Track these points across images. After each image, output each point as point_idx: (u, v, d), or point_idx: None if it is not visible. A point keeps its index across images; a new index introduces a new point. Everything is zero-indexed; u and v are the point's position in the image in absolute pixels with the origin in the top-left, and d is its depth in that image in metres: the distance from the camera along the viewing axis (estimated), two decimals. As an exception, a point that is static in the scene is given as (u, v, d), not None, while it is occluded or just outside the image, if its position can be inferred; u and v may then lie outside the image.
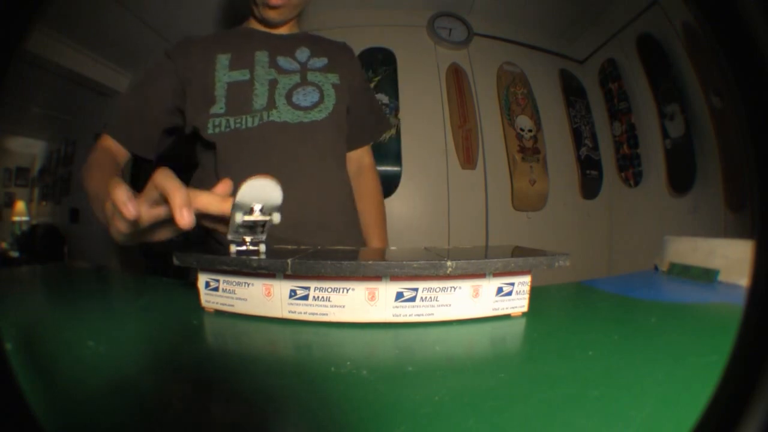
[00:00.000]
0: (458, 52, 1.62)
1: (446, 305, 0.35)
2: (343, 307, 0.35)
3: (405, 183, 1.50)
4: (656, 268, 0.63)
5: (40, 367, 0.26)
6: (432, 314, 0.35)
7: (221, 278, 0.38)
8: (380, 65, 1.56)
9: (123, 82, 2.03)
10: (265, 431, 0.20)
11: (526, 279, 0.37)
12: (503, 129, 1.59)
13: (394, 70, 1.57)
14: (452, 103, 1.56)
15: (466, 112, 1.57)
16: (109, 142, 0.70)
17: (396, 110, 1.53)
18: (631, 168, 1.59)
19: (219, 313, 0.38)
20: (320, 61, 0.75)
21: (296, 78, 0.72)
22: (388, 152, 1.50)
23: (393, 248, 0.47)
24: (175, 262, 0.39)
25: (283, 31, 0.77)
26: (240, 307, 0.37)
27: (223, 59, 0.71)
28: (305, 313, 0.35)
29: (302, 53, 0.75)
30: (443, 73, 1.59)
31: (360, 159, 0.87)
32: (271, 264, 0.34)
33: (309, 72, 0.73)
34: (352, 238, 0.75)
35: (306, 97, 0.71)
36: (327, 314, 0.35)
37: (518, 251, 0.42)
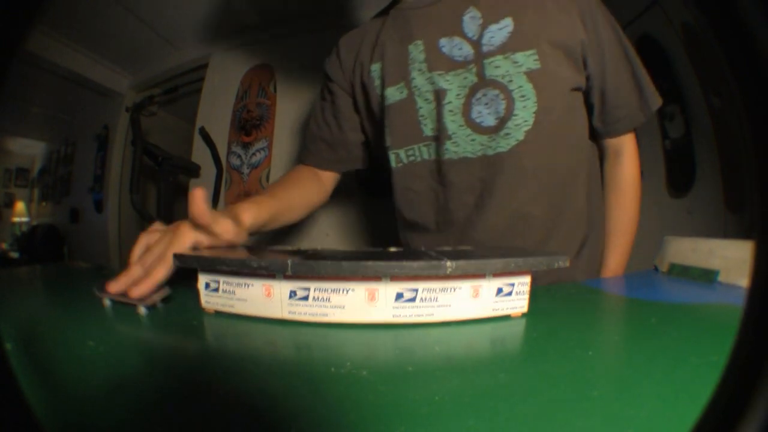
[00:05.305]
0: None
1: (446, 306, 0.35)
2: (343, 307, 0.35)
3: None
4: (656, 269, 0.63)
5: (40, 367, 0.26)
6: (432, 315, 0.35)
7: (221, 279, 0.38)
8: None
9: (123, 82, 2.03)
10: None
11: (526, 279, 0.37)
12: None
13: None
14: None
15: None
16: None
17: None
18: (631, 168, 1.59)
19: (219, 314, 0.38)
20: (500, 28, 0.47)
21: (470, 75, 0.48)
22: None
23: (393, 248, 0.47)
24: (175, 262, 0.39)
25: None
26: (240, 308, 0.37)
27: (375, 70, 0.55)
28: (305, 313, 0.35)
29: (473, 21, 0.48)
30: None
31: (616, 146, 0.62)
32: (271, 264, 0.34)
33: (486, 59, 0.48)
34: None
35: (489, 108, 0.49)
36: (327, 315, 0.35)
37: (518, 251, 0.42)
